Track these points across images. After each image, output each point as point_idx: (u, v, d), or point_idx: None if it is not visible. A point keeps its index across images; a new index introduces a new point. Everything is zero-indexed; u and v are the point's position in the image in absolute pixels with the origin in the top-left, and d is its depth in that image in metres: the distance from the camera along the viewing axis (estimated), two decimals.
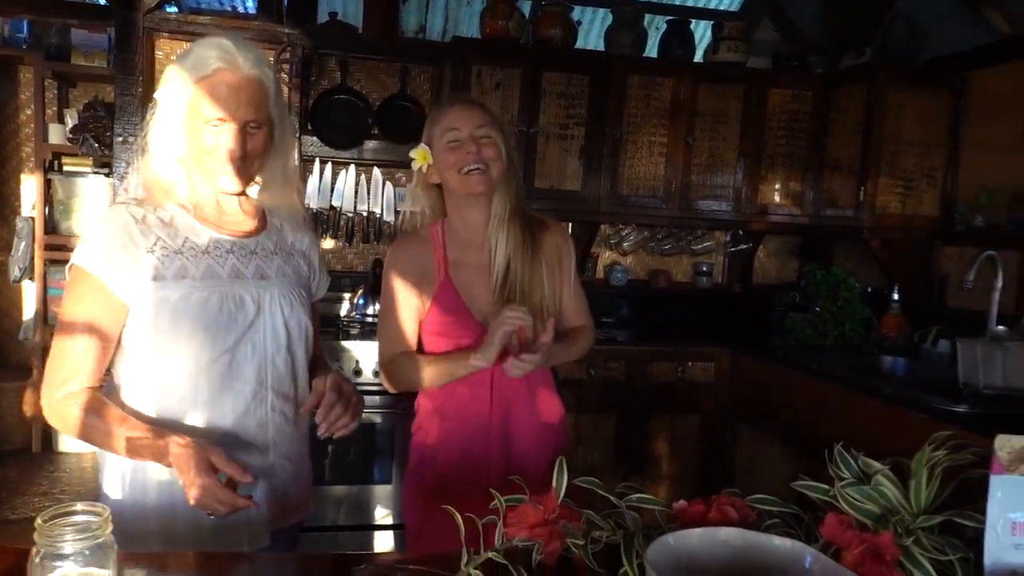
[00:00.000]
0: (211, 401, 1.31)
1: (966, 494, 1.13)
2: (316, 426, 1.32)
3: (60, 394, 1.25)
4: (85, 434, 1.25)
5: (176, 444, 1.18)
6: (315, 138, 3.18)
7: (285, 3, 3.23)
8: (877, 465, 1.04)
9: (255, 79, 1.30)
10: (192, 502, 1.15)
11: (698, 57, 3.50)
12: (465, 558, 0.97)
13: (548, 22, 3.17)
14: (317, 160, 3.19)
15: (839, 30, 3.55)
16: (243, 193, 1.40)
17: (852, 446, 2.14)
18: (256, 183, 1.43)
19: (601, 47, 3.50)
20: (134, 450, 1.23)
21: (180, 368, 1.29)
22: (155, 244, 1.29)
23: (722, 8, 4.54)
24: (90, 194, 3.93)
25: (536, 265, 1.64)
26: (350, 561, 1.03)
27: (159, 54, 3.08)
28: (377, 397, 2.72)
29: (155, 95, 1.33)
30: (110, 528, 0.84)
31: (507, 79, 3.08)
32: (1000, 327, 2.26)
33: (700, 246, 3.70)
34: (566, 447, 1.73)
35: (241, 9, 4.82)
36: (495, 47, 3.13)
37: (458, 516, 1.02)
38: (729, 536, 0.95)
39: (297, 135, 3.14)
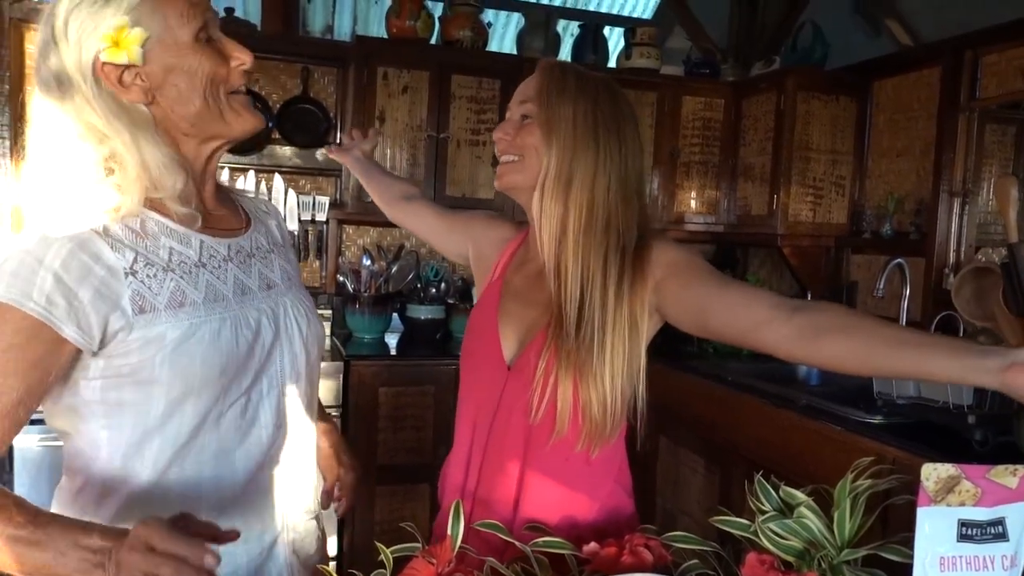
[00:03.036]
0: (217, 461, 0.98)
1: (891, 520, 1.07)
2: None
3: None
4: None
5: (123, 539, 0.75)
6: None
7: None
8: (800, 496, 0.96)
9: None
10: None
11: (611, 63, 3.46)
12: None
13: (457, 23, 3.05)
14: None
15: (748, 39, 3.59)
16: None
17: (770, 459, 2.08)
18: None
19: (514, 52, 3.42)
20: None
21: (181, 428, 0.95)
22: (135, 262, 0.91)
23: (635, 15, 4.53)
24: None
25: (618, 318, 1.12)
26: None
27: (29, 47, 2.81)
28: None
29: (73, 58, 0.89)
30: None
31: (414, 81, 2.94)
32: None
33: None
34: None
35: None
36: (401, 48, 2.99)
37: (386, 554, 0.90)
38: None
39: None
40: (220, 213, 1.05)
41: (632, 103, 1.23)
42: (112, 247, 0.90)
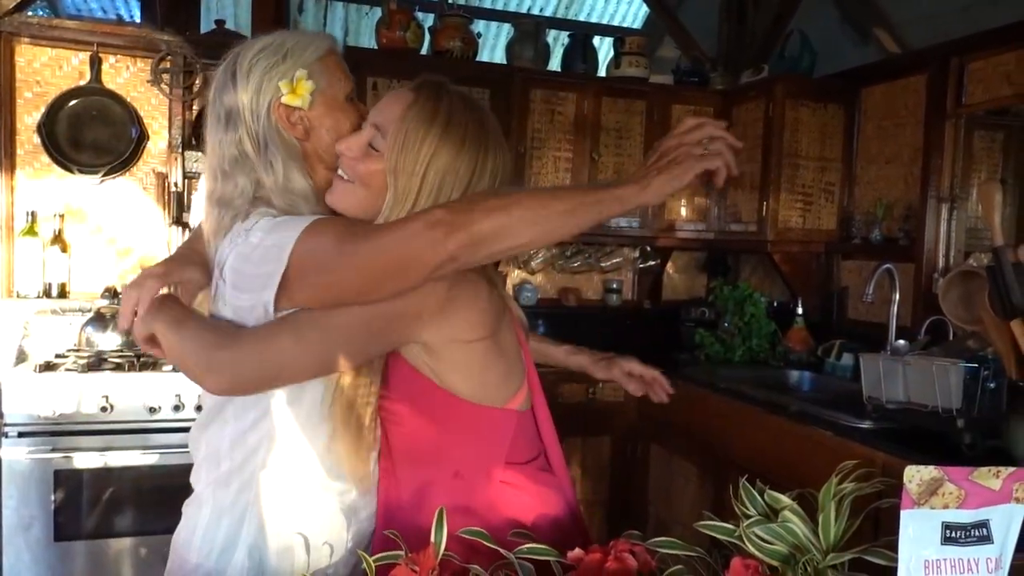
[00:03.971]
0: (289, 445, 1.18)
1: (884, 524, 1.07)
2: None
3: None
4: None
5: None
6: (199, 154, 2.96)
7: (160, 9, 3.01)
8: (784, 500, 0.96)
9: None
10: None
11: (601, 72, 3.47)
12: None
13: (447, 33, 3.06)
14: (202, 178, 2.97)
15: (737, 47, 3.61)
16: None
17: (762, 465, 2.08)
18: None
19: (504, 62, 3.43)
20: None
21: (284, 405, 1.16)
22: None
23: (624, 25, 4.57)
24: None
25: None
26: None
27: (20, 61, 2.81)
28: None
29: (249, 96, 1.11)
30: None
31: None
32: (900, 341, 2.28)
33: (609, 263, 3.65)
34: None
35: (127, 18, 4.54)
36: (391, 58, 3.01)
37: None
38: None
39: (181, 151, 2.93)
40: None
41: (500, 136, 1.16)
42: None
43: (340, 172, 1.16)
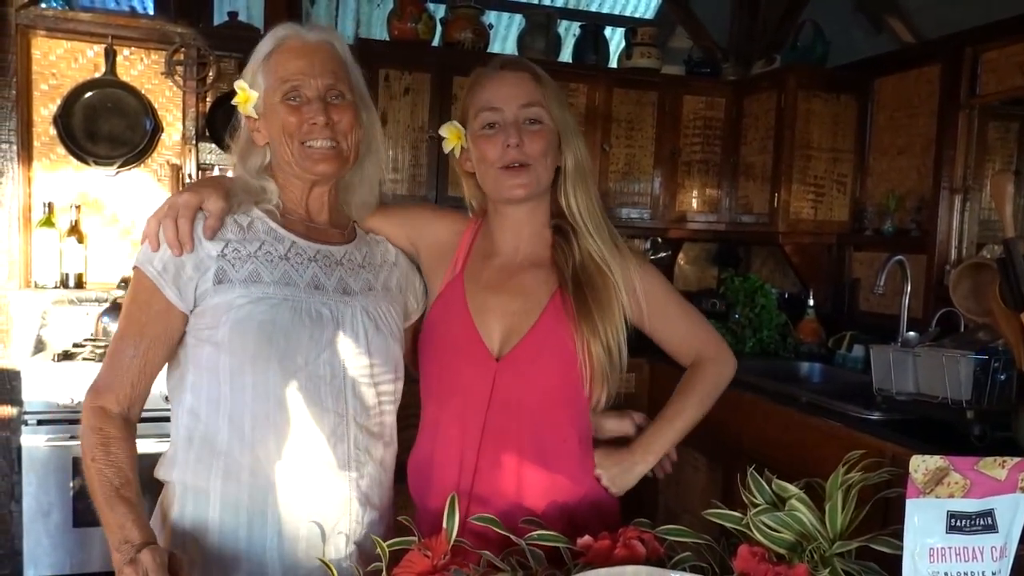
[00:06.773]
0: (284, 432, 1.14)
1: (892, 514, 1.08)
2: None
3: (96, 403, 1.12)
4: (85, 460, 1.13)
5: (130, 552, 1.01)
6: (213, 145, 2.98)
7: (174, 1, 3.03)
8: (792, 489, 0.97)
9: (326, 43, 1.20)
10: None
11: (612, 63, 3.47)
12: None
13: (458, 25, 3.07)
14: (216, 169, 2.99)
15: (749, 38, 3.59)
16: (333, 193, 1.27)
17: (771, 456, 2.08)
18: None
19: (516, 53, 3.43)
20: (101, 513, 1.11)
21: (248, 389, 1.12)
22: (225, 248, 1.15)
23: (636, 16, 4.55)
24: None
25: (580, 319, 1.22)
26: None
27: (36, 53, 2.84)
28: None
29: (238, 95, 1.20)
30: None
31: (416, 83, 2.96)
32: (911, 332, 2.27)
33: None
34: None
35: (141, 9, 4.56)
36: (402, 49, 3.02)
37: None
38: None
39: (195, 142, 2.95)
40: (322, 227, 1.26)
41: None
42: (210, 239, 1.15)
43: (510, 161, 1.21)
